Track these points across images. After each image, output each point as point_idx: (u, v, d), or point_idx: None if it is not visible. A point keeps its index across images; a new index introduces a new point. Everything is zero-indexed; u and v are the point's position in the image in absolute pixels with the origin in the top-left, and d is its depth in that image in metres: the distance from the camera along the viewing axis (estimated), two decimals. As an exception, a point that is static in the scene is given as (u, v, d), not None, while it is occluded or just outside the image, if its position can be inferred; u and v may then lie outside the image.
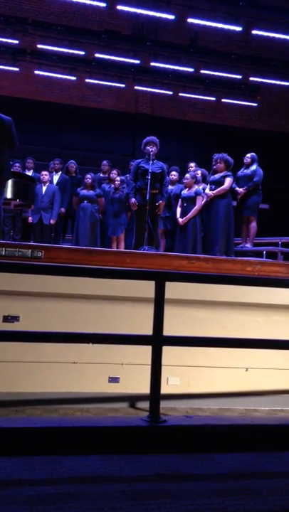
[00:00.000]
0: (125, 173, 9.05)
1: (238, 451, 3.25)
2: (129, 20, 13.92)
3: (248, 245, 8.01)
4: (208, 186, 7.46)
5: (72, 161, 9.15)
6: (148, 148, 6.99)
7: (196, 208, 7.32)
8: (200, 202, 7.34)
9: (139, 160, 7.18)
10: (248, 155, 8.03)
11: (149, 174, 6.75)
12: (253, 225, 7.94)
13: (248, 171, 7.92)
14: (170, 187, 7.72)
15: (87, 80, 14.15)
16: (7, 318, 4.59)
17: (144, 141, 7.13)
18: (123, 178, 8.29)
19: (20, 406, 4.47)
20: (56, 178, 8.66)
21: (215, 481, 2.79)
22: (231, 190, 7.52)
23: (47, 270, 3.97)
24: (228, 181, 7.27)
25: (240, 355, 4.88)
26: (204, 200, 7.37)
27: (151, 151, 6.94)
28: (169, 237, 8.08)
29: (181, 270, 5.10)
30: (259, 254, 8.37)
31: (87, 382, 4.71)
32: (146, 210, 6.74)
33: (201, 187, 7.62)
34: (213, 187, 7.33)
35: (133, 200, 7.02)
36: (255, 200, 7.91)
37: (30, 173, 8.79)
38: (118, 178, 8.11)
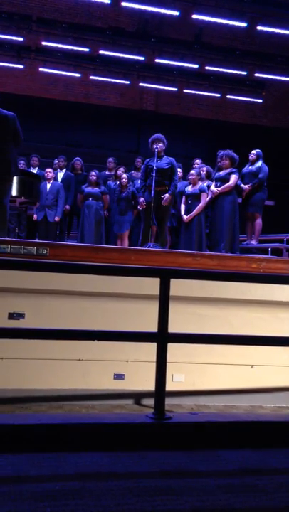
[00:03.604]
0: (130, 169, 9.05)
1: (243, 448, 3.25)
2: (133, 17, 13.88)
3: (253, 242, 7.99)
4: (214, 183, 7.44)
5: (78, 158, 9.14)
6: (154, 146, 6.99)
7: (201, 204, 7.31)
8: (204, 199, 7.33)
9: (149, 159, 7.19)
10: (253, 151, 8.00)
11: (154, 171, 6.75)
12: (258, 221, 7.91)
13: (253, 168, 7.89)
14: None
15: (91, 77, 14.13)
16: (12, 316, 4.60)
17: (150, 139, 7.13)
18: (128, 174, 8.28)
19: (26, 403, 4.49)
20: (60, 175, 8.67)
21: (220, 477, 2.79)
22: (236, 187, 7.49)
23: (52, 267, 3.98)
24: (233, 178, 7.24)
25: (246, 352, 4.88)
26: (209, 197, 7.35)
27: (156, 148, 6.94)
28: (173, 234, 8.07)
29: (186, 267, 5.09)
30: (264, 251, 8.36)
31: (92, 379, 4.72)
32: (151, 207, 6.75)
33: (206, 184, 7.61)
34: (218, 184, 7.31)
35: (142, 199, 7.03)
36: (261, 197, 7.88)
37: (35, 170, 8.80)
38: (125, 176, 8.09)
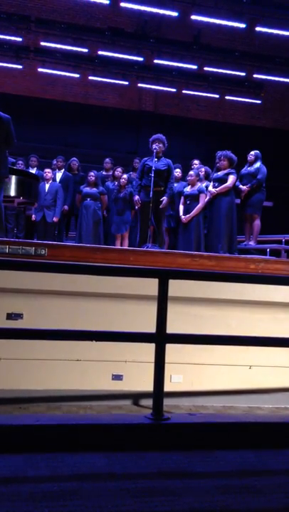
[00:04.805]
0: (129, 170, 9.05)
1: (241, 449, 3.25)
2: (132, 18, 13.87)
3: (252, 243, 7.99)
4: (212, 184, 7.45)
5: (75, 158, 9.14)
6: (154, 145, 6.99)
7: (199, 205, 7.31)
8: (203, 200, 7.34)
9: (146, 158, 7.18)
10: (252, 152, 7.99)
11: (152, 171, 6.75)
12: (257, 222, 7.91)
13: (251, 169, 7.89)
14: (174, 184, 7.69)
15: (90, 78, 14.15)
16: (11, 316, 4.59)
17: (151, 139, 7.13)
18: (128, 175, 8.29)
19: (24, 403, 4.48)
20: (59, 175, 8.67)
21: (218, 478, 2.80)
22: (235, 187, 7.50)
23: (50, 268, 3.98)
24: (231, 179, 7.25)
25: (244, 352, 4.88)
26: (207, 198, 7.36)
27: (155, 148, 6.94)
28: (172, 234, 8.08)
29: (184, 268, 5.09)
30: (262, 252, 8.37)
31: (90, 379, 4.71)
32: (149, 207, 6.75)
33: (204, 185, 7.61)
34: (216, 184, 7.32)
35: (136, 197, 7.04)
36: (259, 198, 7.88)
37: (33, 171, 8.80)
38: (125, 176, 8.09)
